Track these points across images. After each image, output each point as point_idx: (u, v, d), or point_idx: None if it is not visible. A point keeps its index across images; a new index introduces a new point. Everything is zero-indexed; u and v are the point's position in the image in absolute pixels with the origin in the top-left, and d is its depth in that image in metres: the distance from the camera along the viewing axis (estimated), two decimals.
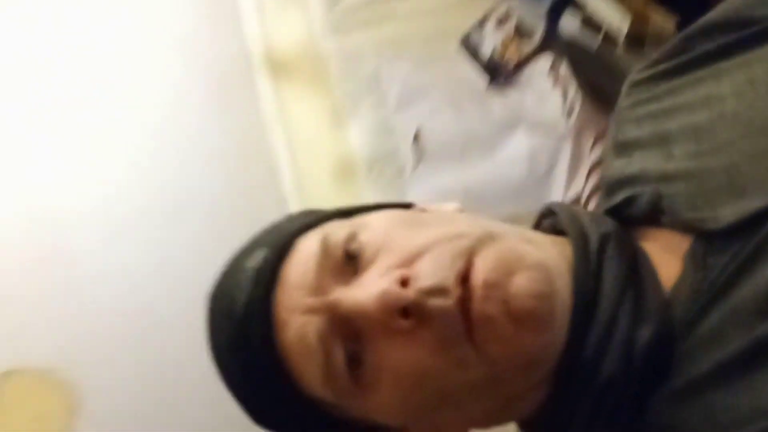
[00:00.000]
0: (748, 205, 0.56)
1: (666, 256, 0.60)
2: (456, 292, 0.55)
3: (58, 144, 1.50)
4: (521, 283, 0.55)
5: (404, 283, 0.55)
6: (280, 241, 0.64)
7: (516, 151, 1.93)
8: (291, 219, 0.70)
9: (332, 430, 0.65)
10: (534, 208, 1.96)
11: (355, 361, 0.58)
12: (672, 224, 0.61)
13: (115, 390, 1.46)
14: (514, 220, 0.73)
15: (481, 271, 0.55)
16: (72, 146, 1.53)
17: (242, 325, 0.61)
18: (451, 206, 0.71)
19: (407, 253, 0.58)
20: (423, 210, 0.70)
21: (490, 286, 0.54)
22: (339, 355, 0.58)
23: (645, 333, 0.56)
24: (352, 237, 0.61)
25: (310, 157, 2.21)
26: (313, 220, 0.67)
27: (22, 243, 1.38)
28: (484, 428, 0.67)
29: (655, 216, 0.63)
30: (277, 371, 0.60)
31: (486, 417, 0.64)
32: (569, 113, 1.81)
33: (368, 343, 0.58)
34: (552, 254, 0.60)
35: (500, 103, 1.90)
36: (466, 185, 1.99)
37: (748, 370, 0.52)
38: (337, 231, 0.62)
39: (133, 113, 1.72)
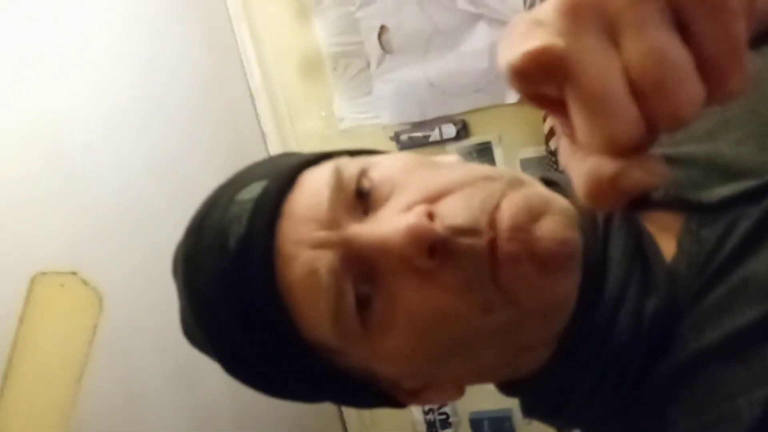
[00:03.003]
0: (741, 184, 0.56)
1: (660, 233, 0.58)
2: (488, 233, 0.51)
3: (44, 47, 1.50)
4: (548, 226, 0.52)
5: (430, 218, 0.52)
6: (282, 173, 0.58)
7: (478, 44, 1.98)
8: (286, 155, 0.66)
9: (325, 380, 0.60)
10: (495, 100, 2.07)
11: (364, 303, 0.54)
12: (664, 202, 0.58)
13: (126, 281, 1.55)
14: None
15: (507, 213, 0.52)
16: (59, 48, 1.53)
17: (238, 259, 0.55)
18: (452, 158, 0.67)
19: (430, 190, 0.55)
20: None
21: (516, 228, 0.51)
22: (350, 295, 0.54)
23: (653, 304, 0.55)
24: (363, 172, 0.57)
25: (276, 52, 2.25)
26: (315, 156, 0.62)
27: (24, 150, 1.38)
28: (482, 382, 0.64)
29: (645, 194, 0.61)
30: (276, 311, 0.55)
31: (491, 369, 0.61)
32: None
33: (381, 284, 0.54)
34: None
35: None
36: (429, 78, 2.07)
37: (758, 340, 0.51)
38: (348, 164, 0.58)
39: (110, 13, 1.73)
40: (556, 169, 1.99)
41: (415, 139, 2.15)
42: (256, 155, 2.20)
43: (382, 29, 2.08)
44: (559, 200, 0.55)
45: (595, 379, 0.56)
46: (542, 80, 0.31)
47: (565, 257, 0.53)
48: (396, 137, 2.16)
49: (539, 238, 0.51)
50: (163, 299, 1.52)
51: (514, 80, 0.31)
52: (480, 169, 0.59)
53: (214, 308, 0.58)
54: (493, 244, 0.51)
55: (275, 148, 2.28)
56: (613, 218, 0.59)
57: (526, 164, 2.07)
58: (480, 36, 1.99)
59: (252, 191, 0.57)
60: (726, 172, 0.57)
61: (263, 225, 0.55)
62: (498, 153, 2.10)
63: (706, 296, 0.54)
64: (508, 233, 0.51)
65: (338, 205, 0.55)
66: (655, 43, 0.30)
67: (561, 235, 0.52)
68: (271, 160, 0.65)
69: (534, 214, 0.52)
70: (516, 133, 2.06)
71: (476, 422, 2.25)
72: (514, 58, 0.31)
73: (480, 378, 0.63)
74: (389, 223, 0.53)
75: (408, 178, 0.56)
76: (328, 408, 2.27)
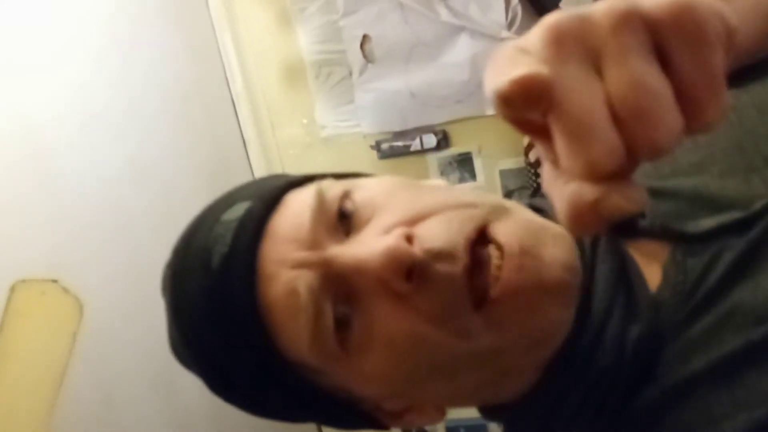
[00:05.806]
0: (726, 216, 0.56)
1: (646, 262, 0.58)
2: (464, 259, 0.51)
3: (23, 48, 1.49)
4: (556, 253, 0.52)
5: (408, 240, 0.51)
6: (266, 194, 0.59)
7: (459, 55, 2.00)
8: (273, 177, 0.66)
9: (306, 399, 0.60)
10: (475, 111, 2.09)
11: (343, 324, 0.54)
12: (651, 231, 0.58)
13: (106, 287, 1.54)
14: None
15: (511, 238, 0.52)
16: (39, 48, 1.52)
17: (220, 277, 0.56)
18: (438, 182, 0.67)
19: (410, 213, 0.55)
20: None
21: (525, 252, 0.51)
22: (328, 315, 0.54)
23: (636, 329, 0.55)
24: (346, 194, 0.58)
25: (259, 59, 2.25)
26: (300, 177, 0.62)
27: (2, 148, 1.39)
28: (463, 406, 0.63)
29: (632, 222, 0.62)
30: (257, 328, 0.55)
31: (472, 393, 0.60)
32: (511, 23, 1.89)
33: (359, 306, 0.54)
34: None
35: (446, 9, 1.95)
36: (411, 88, 2.08)
37: (743, 367, 0.51)
38: (331, 186, 0.59)
39: (91, 15, 1.72)
40: (536, 180, 2.02)
41: (395, 148, 2.16)
42: (236, 161, 2.23)
43: (365, 38, 2.09)
44: (553, 226, 0.55)
45: (578, 404, 0.57)
46: (527, 106, 0.31)
47: (570, 286, 0.53)
48: (377, 146, 2.17)
49: (549, 264, 0.51)
50: (142, 306, 1.53)
51: (500, 106, 0.31)
52: (464, 193, 0.60)
53: (198, 325, 0.58)
54: (470, 270, 0.51)
55: (256, 155, 2.28)
56: (599, 244, 0.59)
57: (505, 175, 2.09)
58: (462, 48, 2.01)
59: (236, 211, 0.58)
60: (711, 204, 0.57)
61: (246, 244, 0.56)
62: (478, 164, 2.12)
63: (693, 325, 0.54)
64: (518, 260, 0.51)
65: (319, 226, 0.56)
66: (637, 72, 0.30)
67: (569, 262, 0.53)
68: (258, 182, 0.66)
69: (537, 239, 0.52)
70: (496, 144, 2.08)
71: (452, 430, 2.27)
72: (501, 84, 0.31)
73: (461, 401, 0.63)
74: (368, 244, 0.53)
75: (390, 200, 0.57)
76: None
